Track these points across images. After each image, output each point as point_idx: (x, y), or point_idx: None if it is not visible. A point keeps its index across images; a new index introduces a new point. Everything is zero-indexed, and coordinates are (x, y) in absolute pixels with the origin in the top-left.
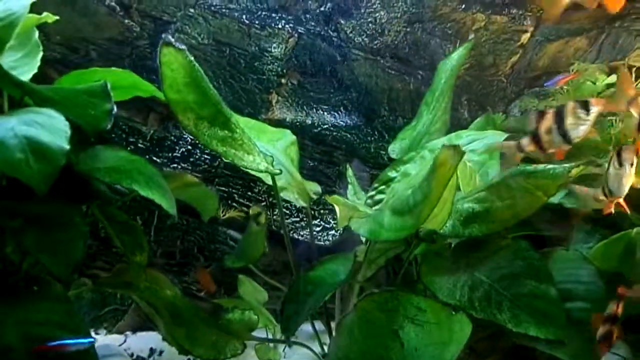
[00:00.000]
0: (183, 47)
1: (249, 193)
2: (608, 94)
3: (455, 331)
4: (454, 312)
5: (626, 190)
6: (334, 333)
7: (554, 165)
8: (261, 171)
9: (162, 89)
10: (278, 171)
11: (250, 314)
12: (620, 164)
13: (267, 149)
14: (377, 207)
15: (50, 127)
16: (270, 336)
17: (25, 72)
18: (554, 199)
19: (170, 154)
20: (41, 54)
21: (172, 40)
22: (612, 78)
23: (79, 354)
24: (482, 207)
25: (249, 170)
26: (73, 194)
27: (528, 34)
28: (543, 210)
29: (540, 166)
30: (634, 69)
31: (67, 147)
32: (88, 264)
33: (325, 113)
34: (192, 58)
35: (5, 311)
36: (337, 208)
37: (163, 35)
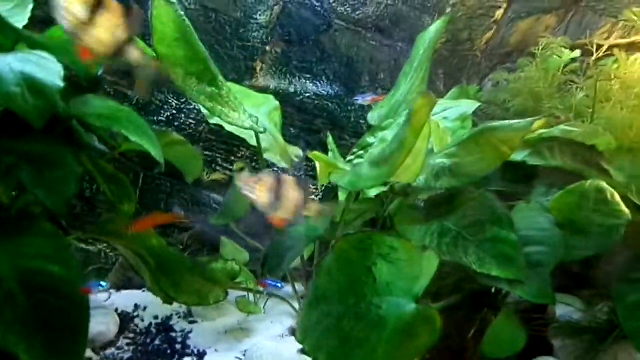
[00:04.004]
0: (174, 0)
1: (232, 157)
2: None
3: (424, 266)
4: (423, 252)
5: None
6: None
7: (518, 120)
8: (246, 128)
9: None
10: (262, 129)
11: (232, 264)
12: None
13: (251, 112)
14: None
15: (44, 66)
16: (251, 296)
17: (17, 23)
18: (518, 157)
19: (155, 118)
20: (32, 5)
21: None
22: (576, 53)
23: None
24: (452, 162)
25: (235, 127)
26: (66, 139)
27: (502, 10)
28: (508, 168)
29: (505, 122)
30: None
31: (61, 84)
32: (73, 224)
33: (308, 82)
34: (182, 13)
35: None
36: (317, 164)
37: None
